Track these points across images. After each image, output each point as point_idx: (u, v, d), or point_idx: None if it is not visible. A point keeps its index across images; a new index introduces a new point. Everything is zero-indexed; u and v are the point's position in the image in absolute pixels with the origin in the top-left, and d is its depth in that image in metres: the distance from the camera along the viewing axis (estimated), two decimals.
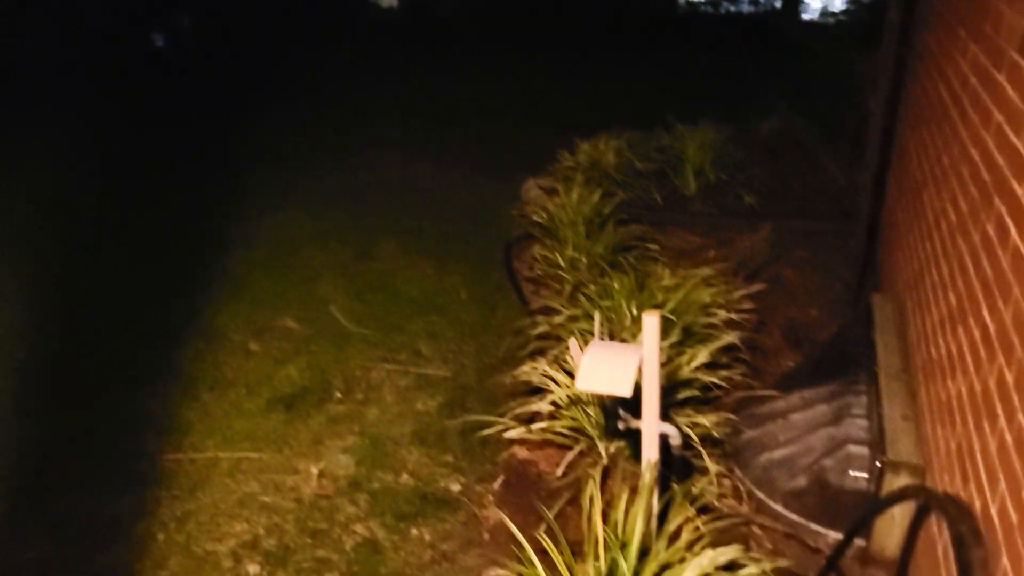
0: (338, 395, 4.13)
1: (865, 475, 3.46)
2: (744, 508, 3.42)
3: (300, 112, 8.89)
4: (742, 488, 3.54)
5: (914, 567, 3.01)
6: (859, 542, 3.28)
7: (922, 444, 3.10)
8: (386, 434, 3.84)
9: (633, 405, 3.14)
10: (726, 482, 3.53)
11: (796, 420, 4.07)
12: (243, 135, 8.06)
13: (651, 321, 2.85)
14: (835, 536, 3.34)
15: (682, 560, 2.66)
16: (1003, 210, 2.36)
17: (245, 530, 3.24)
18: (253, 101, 9.41)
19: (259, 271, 5.44)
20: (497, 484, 3.57)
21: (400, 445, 3.77)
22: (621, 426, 3.07)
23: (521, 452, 3.78)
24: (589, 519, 2.81)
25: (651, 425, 2.97)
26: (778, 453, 3.84)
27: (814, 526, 3.40)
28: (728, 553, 2.58)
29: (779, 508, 3.47)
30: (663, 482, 3.02)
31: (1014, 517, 1.90)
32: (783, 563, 2.80)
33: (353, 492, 3.47)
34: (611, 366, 2.91)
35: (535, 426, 3.74)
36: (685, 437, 3.18)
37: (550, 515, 3.00)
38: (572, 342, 3.04)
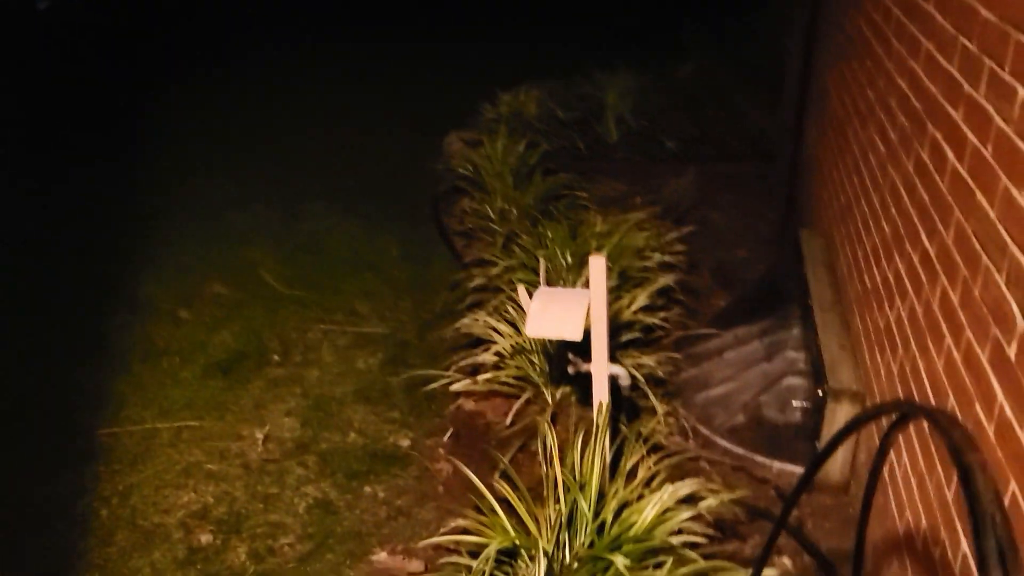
0: (276, 358, 4.05)
1: (805, 404, 3.57)
2: (691, 445, 3.49)
3: (213, 79, 8.56)
4: (687, 425, 3.61)
5: (857, 488, 3.13)
6: (801, 469, 3.39)
7: (860, 371, 3.20)
8: (329, 394, 3.78)
9: (581, 349, 3.16)
10: (671, 420, 3.59)
11: (731, 358, 4.17)
12: (154, 102, 7.74)
13: (598, 263, 2.86)
14: (779, 466, 3.44)
15: (641, 497, 2.71)
16: (938, 135, 2.42)
17: (193, 500, 3.16)
18: (162, 67, 9.03)
19: (183, 238, 5.26)
20: (447, 437, 3.56)
21: (344, 404, 3.72)
22: (571, 370, 3.09)
23: (468, 404, 3.77)
24: (548, 462, 2.82)
25: (601, 367, 2.99)
26: (717, 391, 3.93)
27: (759, 458, 3.50)
28: (688, 486, 2.63)
29: (724, 443, 3.56)
30: (613, 424, 3.06)
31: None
32: (740, 493, 2.87)
33: (301, 454, 3.41)
34: (560, 311, 2.92)
35: (480, 377, 3.73)
36: (632, 378, 3.21)
37: (505, 461, 3.01)
38: (521, 289, 3.03)
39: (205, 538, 2.99)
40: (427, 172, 6.16)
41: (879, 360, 2.92)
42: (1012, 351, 1.75)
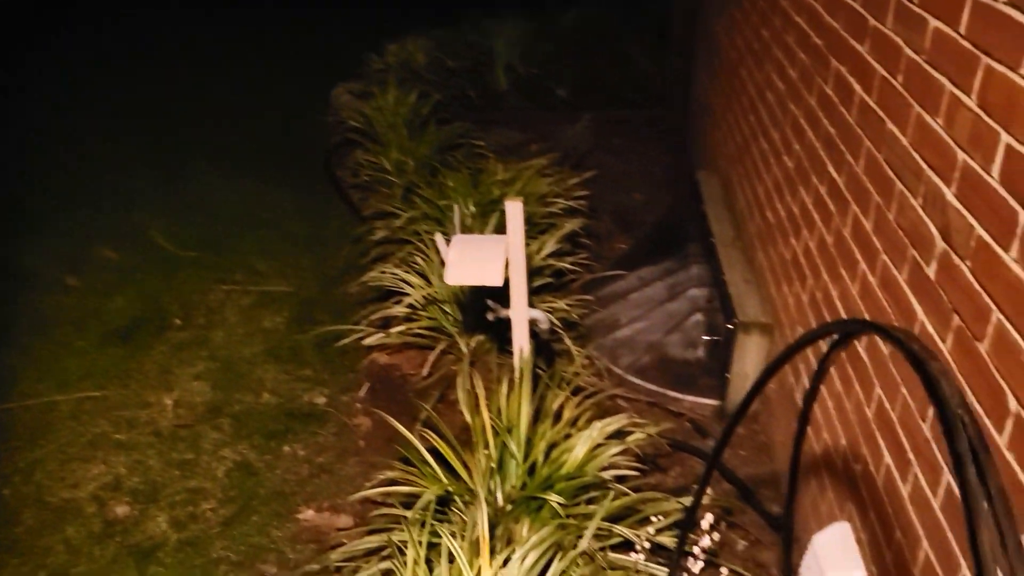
0: (177, 322, 3.89)
1: (716, 338, 3.67)
2: (607, 384, 3.55)
3: (79, 39, 8.04)
4: (600, 366, 3.67)
5: (767, 417, 3.26)
6: (712, 402, 3.52)
7: (767, 304, 3.32)
8: (237, 355, 3.67)
9: (497, 295, 3.16)
10: (586, 362, 3.64)
11: (636, 299, 4.26)
12: (21, 66, 7.21)
13: (515, 207, 2.85)
14: (691, 400, 3.55)
15: (568, 437, 2.74)
16: (843, 69, 2.50)
17: (103, 472, 3.02)
18: (30, 29, 8.41)
19: (62, 203, 4.96)
20: (363, 392, 3.51)
21: (254, 365, 3.62)
22: (490, 317, 3.09)
23: (382, 358, 3.72)
24: (474, 409, 2.82)
25: (521, 312, 3.00)
26: (624, 332, 4.01)
27: (672, 393, 3.60)
28: (616, 422, 2.68)
29: (638, 381, 3.64)
30: (533, 368, 3.08)
31: (885, 350, 2.09)
32: (665, 426, 2.94)
33: (214, 418, 3.30)
34: (479, 258, 2.90)
35: (393, 330, 3.69)
36: (550, 322, 3.24)
37: (429, 409, 2.99)
38: (438, 237, 3.00)
39: (121, 510, 2.87)
40: (317, 126, 5.99)
41: (786, 291, 3.03)
42: (931, 270, 1.84)
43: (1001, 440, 1.51)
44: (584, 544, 2.20)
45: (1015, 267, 1.49)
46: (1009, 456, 1.48)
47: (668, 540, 2.51)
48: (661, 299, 4.19)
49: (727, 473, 3.06)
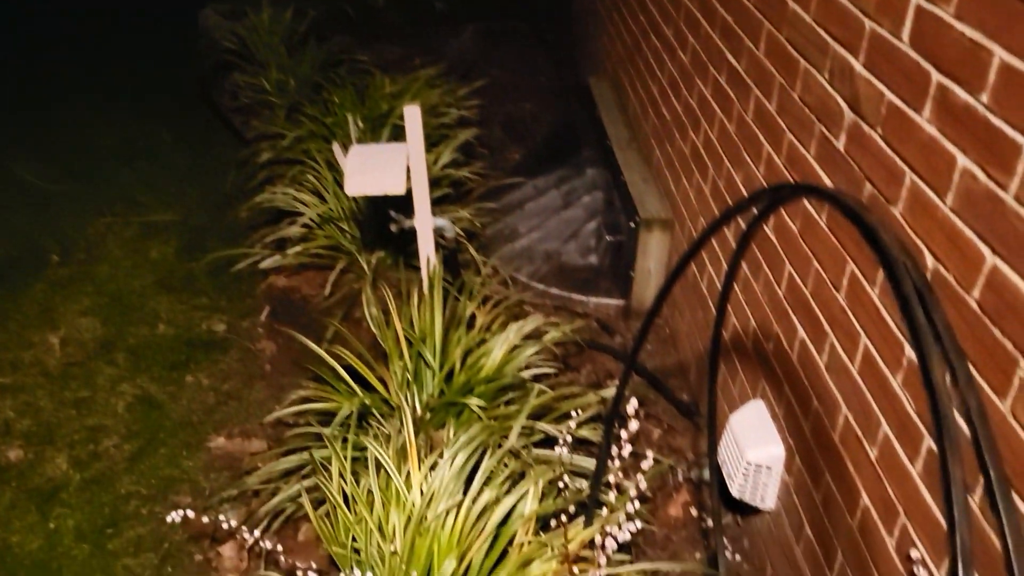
0: (55, 258, 3.65)
1: (614, 238, 3.70)
2: (512, 292, 3.54)
3: None
4: (504, 274, 3.65)
5: (670, 311, 3.32)
6: (616, 301, 3.56)
7: (666, 200, 3.35)
8: (127, 288, 3.48)
9: (398, 205, 3.08)
10: (490, 272, 3.62)
11: (532, 209, 4.24)
12: None
13: (413, 112, 2.76)
14: (595, 301, 3.59)
15: (483, 342, 2.72)
16: None
17: None
18: None
19: None
20: (263, 316, 3.40)
21: (146, 297, 3.44)
22: (394, 228, 3.00)
23: (280, 280, 3.60)
24: (380, 322, 2.76)
25: (425, 220, 2.93)
26: (522, 243, 4.00)
27: (576, 296, 3.62)
28: (531, 323, 2.67)
29: (542, 286, 3.64)
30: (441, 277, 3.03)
31: (795, 226, 2.13)
32: (578, 324, 2.95)
33: (108, 353, 3.13)
34: (378, 166, 2.81)
35: (290, 251, 3.57)
36: (454, 231, 3.18)
37: (337, 324, 2.91)
38: (336, 146, 2.88)
39: (14, 454, 2.71)
40: (187, 51, 5.65)
41: (686, 185, 3.06)
42: (840, 142, 1.87)
43: None
44: (512, 441, 2.19)
45: (928, 127, 1.52)
46: None
47: (590, 434, 2.54)
48: (557, 207, 4.18)
49: (637, 366, 3.11)
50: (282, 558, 2.16)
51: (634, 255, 3.33)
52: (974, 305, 1.40)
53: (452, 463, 2.07)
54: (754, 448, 2.23)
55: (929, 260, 1.53)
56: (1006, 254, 1.33)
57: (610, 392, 2.63)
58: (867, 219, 1.16)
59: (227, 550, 2.42)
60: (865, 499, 1.77)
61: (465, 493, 2.07)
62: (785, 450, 2.20)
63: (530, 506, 2.02)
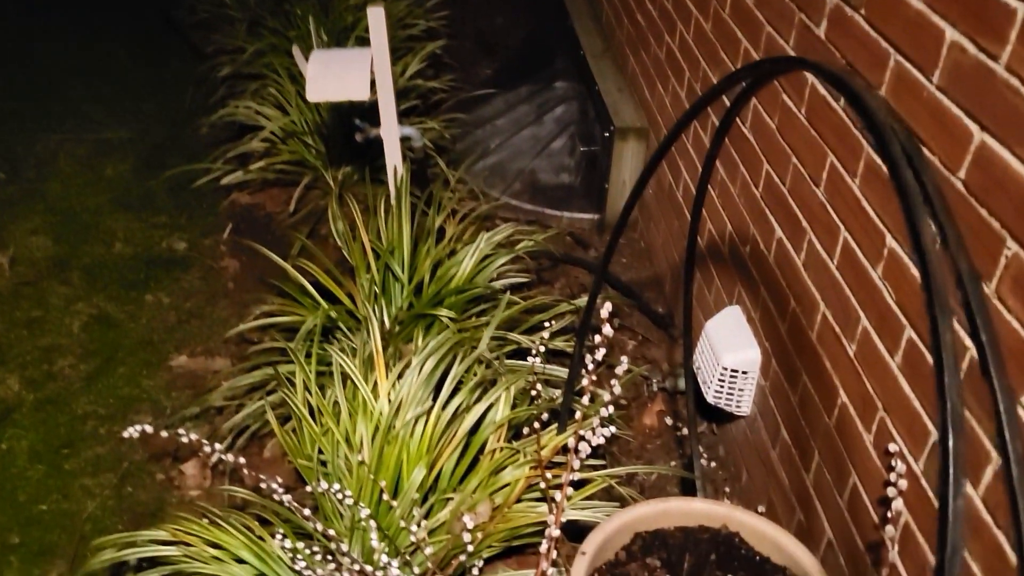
0: (2, 176, 3.50)
1: (588, 149, 3.60)
2: (484, 206, 3.44)
3: None
4: (475, 188, 3.55)
5: (645, 223, 3.25)
6: (589, 216, 3.48)
7: (641, 109, 3.25)
8: (80, 206, 3.35)
9: (363, 116, 2.96)
10: (460, 187, 3.52)
11: (503, 124, 4.12)
12: None
13: (377, 14, 2.63)
14: (569, 216, 3.50)
15: (453, 253, 2.64)
16: None
17: None
18: None
19: None
20: (226, 233, 3.29)
21: (101, 215, 3.32)
22: (359, 138, 2.89)
23: (243, 197, 3.49)
24: (345, 236, 2.67)
25: (392, 129, 2.82)
26: (493, 159, 3.89)
27: (549, 211, 3.53)
28: (503, 231, 2.59)
29: (515, 202, 3.55)
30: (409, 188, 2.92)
31: (773, 123, 2.04)
32: (552, 232, 2.87)
33: (62, 272, 3.02)
34: (342, 71, 2.68)
35: (252, 167, 3.44)
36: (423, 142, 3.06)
37: (303, 238, 2.82)
38: (296, 50, 2.74)
39: None
40: None
41: (662, 91, 2.96)
42: (821, 29, 1.78)
43: None
44: (482, 348, 2.13)
45: (915, 2, 1.44)
46: None
47: (563, 345, 2.48)
48: (526, 123, 4.07)
49: (611, 279, 3.05)
50: (246, 472, 2.10)
51: (609, 167, 3.24)
52: (960, 186, 1.33)
53: (420, 371, 2.01)
54: (730, 353, 2.18)
55: None
56: (995, 129, 1.25)
57: (584, 302, 2.57)
58: (852, 84, 1.08)
59: (189, 468, 2.36)
60: (843, 396, 1.72)
61: (434, 401, 2.01)
62: (761, 354, 2.16)
63: (501, 413, 1.96)
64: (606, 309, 1.82)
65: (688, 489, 2.29)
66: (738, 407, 2.24)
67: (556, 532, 1.63)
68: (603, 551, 1.64)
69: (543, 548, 1.63)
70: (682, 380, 2.58)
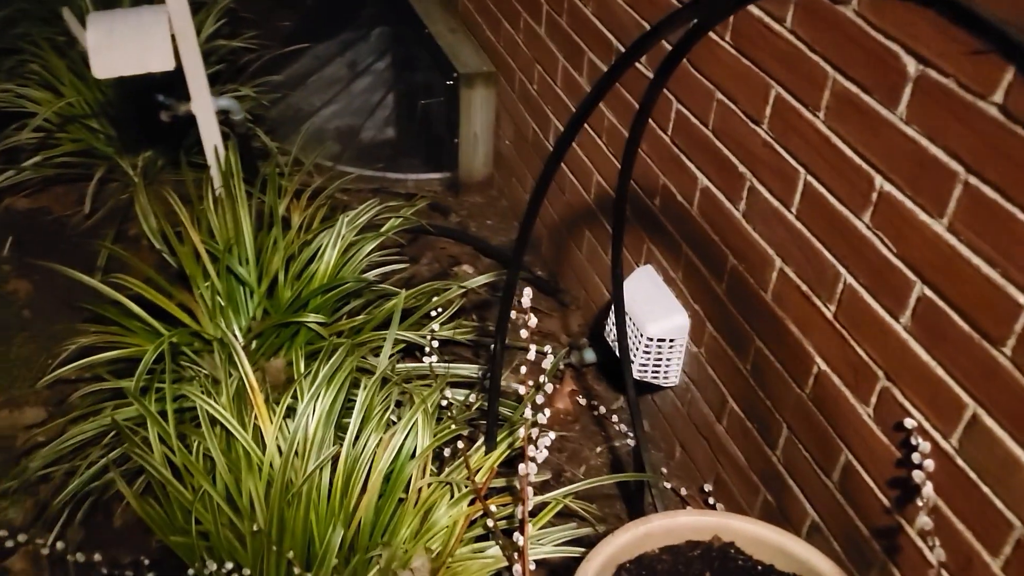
0: None
1: (426, 102, 3.22)
2: (318, 179, 3.01)
3: None
4: (306, 161, 3.10)
5: (504, 179, 2.94)
6: (440, 175, 3.12)
7: (484, 51, 2.90)
8: None
9: (163, 89, 2.45)
10: (285, 159, 3.05)
11: (317, 82, 3.68)
12: None
13: None
14: (415, 178, 3.13)
15: (307, 244, 2.22)
16: None
17: None
18: None
19: None
20: (6, 249, 2.68)
21: None
22: (165, 117, 2.39)
23: (20, 202, 2.87)
24: (177, 234, 2.20)
25: (205, 101, 2.34)
26: (318, 120, 3.45)
27: (391, 175, 3.15)
28: (365, 211, 2.20)
29: (354, 170, 3.13)
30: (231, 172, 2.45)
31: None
32: (422, 203, 2.50)
33: None
34: (134, 38, 2.17)
35: (26, 163, 2.83)
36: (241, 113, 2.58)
37: (109, 245, 2.30)
38: (68, 15, 2.19)
39: None
40: None
41: (510, 29, 2.63)
42: None
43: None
44: (384, 361, 1.76)
45: None
46: None
47: (449, 333, 2.15)
48: (351, 76, 3.64)
49: (482, 244, 2.74)
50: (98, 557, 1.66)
51: (457, 120, 2.88)
52: None
53: (316, 405, 1.62)
54: (654, 322, 1.93)
55: None
56: None
57: (473, 282, 2.24)
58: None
59: (17, 563, 1.85)
60: (820, 364, 1.50)
61: (338, 439, 1.63)
62: (690, 318, 1.92)
63: (424, 440, 1.62)
64: (527, 296, 1.51)
65: (627, 474, 2.05)
66: (665, 378, 2.00)
67: None
68: None
69: None
70: (588, 353, 2.31)
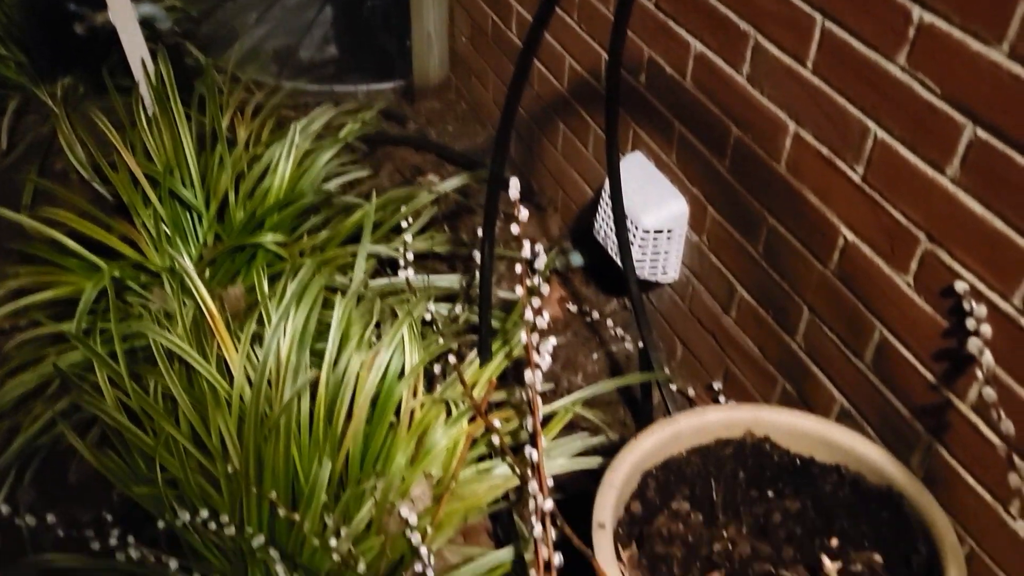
0: None
1: (371, 4, 2.97)
2: (259, 95, 2.77)
3: None
4: (244, 78, 2.85)
5: (464, 80, 2.72)
6: (391, 84, 2.90)
7: None
8: None
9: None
10: (221, 76, 2.80)
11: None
12: None
13: None
14: (367, 88, 2.90)
15: (256, 159, 2.01)
16: None
17: None
18: None
19: None
20: None
21: None
22: (81, 29, 2.14)
23: None
24: (110, 163, 1.97)
25: (126, 9, 2.08)
26: (257, 35, 3.18)
27: (339, 87, 2.91)
28: (321, 115, 1.98)
29: (297, 85, 2.89)
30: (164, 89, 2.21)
31: None
32: (379, 106, 2.28)
33: None
34: None
35: None
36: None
37: (35, 178, 2.07)
38: None
39: None
40: None
41: None
42: None
43: None
44: (359, 274, 1.57)
45: None
46: None
47: (424, 246, 1.97)
48: None
49: (448, 152, 2.54)
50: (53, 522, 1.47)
51: (408, 21, 2.65)
52: None
53: (286, 327, 1.43)
54: (649, 212, 1.76)
55: None
56: None
57: (444, 185, 2.04)
58: None
59: None
60: (847, 235, 1.35)
61: (316, 362, 1.45)
62: (688, 204, 1.75)
63: (412, 357, 1.44)
64: (514, 187, 1.33)
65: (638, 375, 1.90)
66: (664, 273, 1.85)
67: (549, 504, 1.17)
68: (616, 510, 1.21)
69: (537, 531, 1.16)
70: (575, 256, 2.15)
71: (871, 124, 1.25)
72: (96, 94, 2.63)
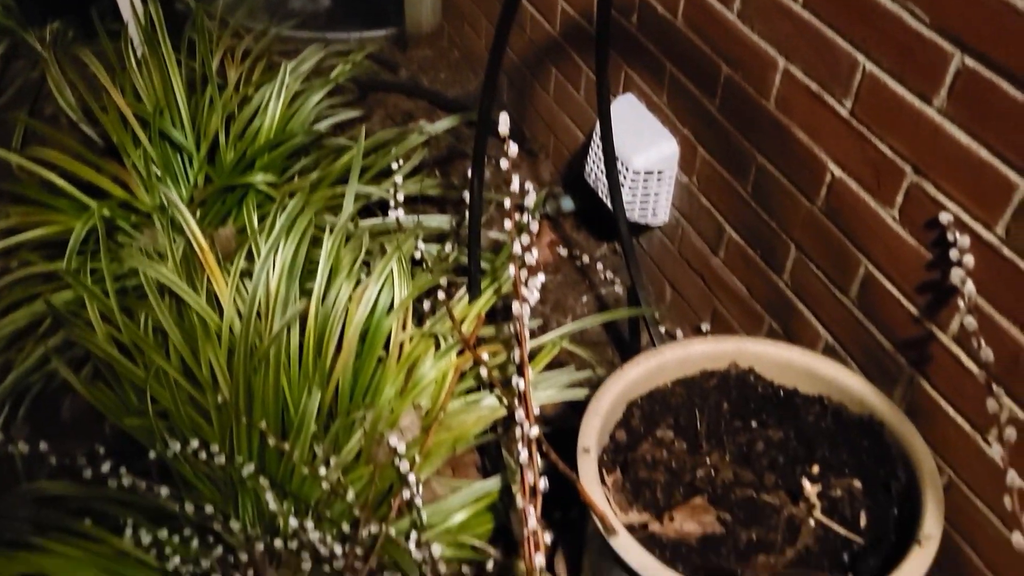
0: None
1: None
2: (249, 39, 2.74)
3: None
4: (232, 22, 2.82)
5: (456, 29, 2.70)
6: (383, 31, 2.88)
7: None
8: None
9: None
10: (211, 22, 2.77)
11: None
12: None
13: None
14: (358, 36, 2.88)
15: (247, 100, 2.00)
16: None
17: None
18: None
19: None
20: None
21: None
22: None
23: None
24: (100, 105, 1.96)
25: None
26: None
27: (331, 35, 2.89)
28: (310, 56, 1.97)
29: (288, 31, 2.86)
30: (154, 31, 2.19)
31: None
32: (369, 50, 2.27)
33: None
34: None
35: None
36: None
37: (26, 118, 2.06)
38: None
39: None
40: None
41: None
42: None
43: None
44: (349, 208, 1.58)
45: None
46: None
47: (414, 188, 1.97)
48: None
49: (441, 99, 2.53)
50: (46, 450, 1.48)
51: None
52: None
53: (275, 259, 1.44)
54: (639, 153, 1.76)
55: None
56: None
57: (435, 127, 2.04)
58: None
59: None
60: (835, 171, 1.36)
61: (305, 295, 1.46)
62: (679, 145, 1.76)
63: (402, 291, 1.45)
64: (504, 122, 1.33)
65: (625, 310, 1.91)
66: (654, 215, 1.85)
67: (535, 431, 1.18)
68: (601, 437, 1.23)
69: (523, 457, 1.18)
70: (565, 201, 2.15)
71: (860, 57, 1.25)
72: (85, 38, 2.61)
